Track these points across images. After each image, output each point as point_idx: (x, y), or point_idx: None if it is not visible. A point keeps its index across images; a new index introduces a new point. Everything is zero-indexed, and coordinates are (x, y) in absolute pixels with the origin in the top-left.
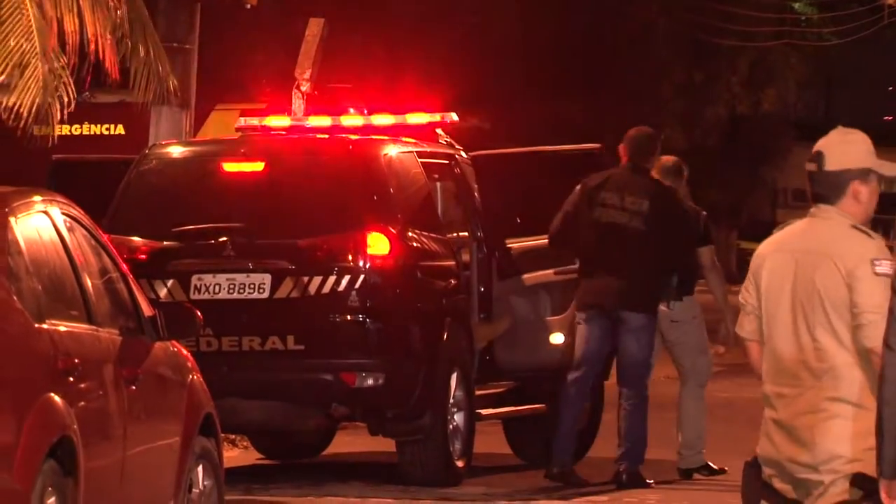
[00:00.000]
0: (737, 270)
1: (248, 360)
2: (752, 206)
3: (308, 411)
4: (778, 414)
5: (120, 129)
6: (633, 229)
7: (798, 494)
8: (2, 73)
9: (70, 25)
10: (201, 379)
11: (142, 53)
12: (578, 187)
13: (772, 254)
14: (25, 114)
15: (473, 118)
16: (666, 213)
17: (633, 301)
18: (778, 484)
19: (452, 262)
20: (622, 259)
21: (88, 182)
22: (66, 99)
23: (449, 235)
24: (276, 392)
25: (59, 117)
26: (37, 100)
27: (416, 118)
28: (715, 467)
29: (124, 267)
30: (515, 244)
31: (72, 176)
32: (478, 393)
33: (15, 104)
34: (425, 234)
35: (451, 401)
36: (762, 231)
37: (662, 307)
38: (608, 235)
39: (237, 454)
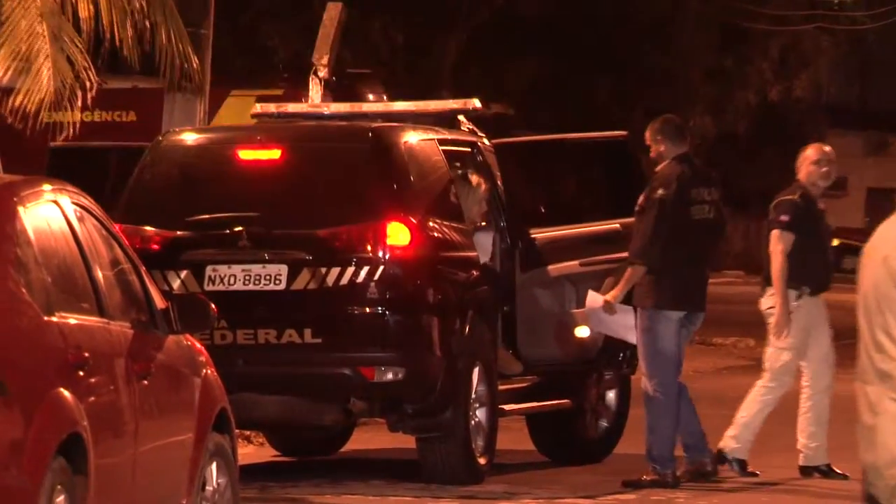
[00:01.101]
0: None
1: (263, 354)
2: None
3: (325, 406)
4: (860, 416)
5: (132, 116)
6: (714, 222)
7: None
8: (15, 58)
9: (84, 12)
10: (215, 373)
11: (163, 35)
12: (662, 192)
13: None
14: (37, 101)
15: (497, 105)
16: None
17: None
18: (871, 489)
19: (474, 253)
20: (707, 254)
21: (88, 169)
22: (87, 84)
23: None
24: (293, 387)
25: (79, 104)
26: (50, 87)
27: (438, 105)
28: (838, 471)
29: (136, 258)
30: (540, 234)
31: (70, 163)
32: (501, 388)
33: (29, 91)
34: (446, 223)
35: (474, 396)
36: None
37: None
38: (700, 231)
39: (252, 451)
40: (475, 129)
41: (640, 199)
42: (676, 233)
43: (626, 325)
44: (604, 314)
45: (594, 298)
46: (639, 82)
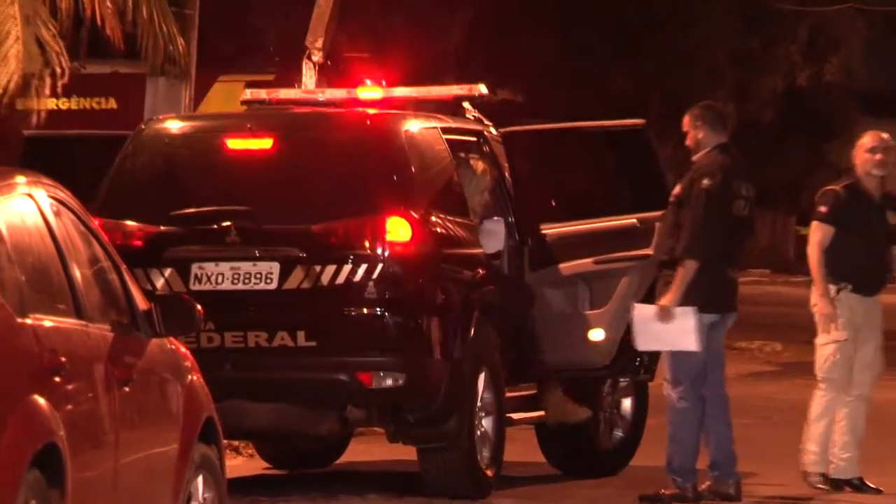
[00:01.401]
0: (795, 259)
1: (253, 358)
2: (813, 188)
3: (320, 415)
4: None
5: (112, 103)
6: (749, 220)
7: None
8: None
9: None
10: (202, 379)
11: (145, 14)
12: (708, 182)
13: None
14: (5, 87)
15: (504, 90)
16: None
17: None
18: None
19: (480, 250)
20: (739, 254)
21: (65, 160)
22: (59, 70)
23: (476, 220)
24: (285, 393)
25: (49, 91)
26: (16, 74)
27: (441, 91)
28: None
29: (117, 255)
30: (551, 230)
31: (46, 153)
32: (508, 395)
33: None
34: (451, 218)
35: (479, 404)
36: None
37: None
38: (737, 228)
39: (241, 463)
40: (481, 116)
41: (677, 189)
42: (717, 228)
43: (686, 330)
44: (656, 325)
45: (643, 311)
46: (657, 66)
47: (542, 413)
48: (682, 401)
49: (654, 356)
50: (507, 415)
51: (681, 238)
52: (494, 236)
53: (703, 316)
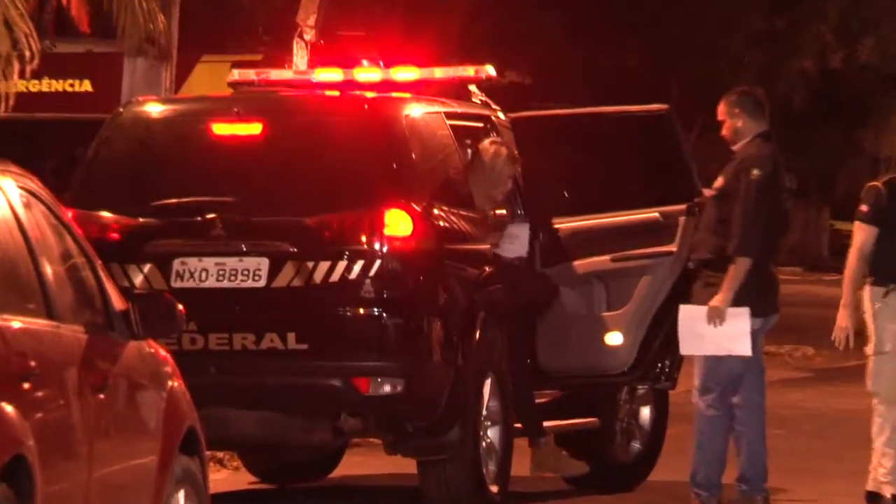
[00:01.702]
0: (829, 256)
1: (240, 362)
2: (846, 179)
3: (312, 424)
4: None
5: (87, 86)
6: (788, 214)
7: None
8: None
9: None
10: (183, 385)
11: None
12: (758, 173)
13: None
14: None
15: (513, 72)
16: None
17: None
18: None
19: (486, 246)
20: (779, 250)
21: (35, 146)
22: (28, 54)
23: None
24: (274, 400)
25: (18, 74)
26: None
27: (445, 72)
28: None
29: (91, 250)
30: (564, 224)
31: (14, 139)
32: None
33: None
34: (455, 211)
35: (485, 413)
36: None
37: None
38: (783, 223)
39: (226, 476)
40: (488, 100)
41: (720, 182)
42: (768, 222)
43: (740, 334)
44: (706, 328)
45: (690, 312)
46: (675, 47)
47: (553, 423)
48: (710, 409)
49: (676, 362)
50: (516, 425)
51: (731, 234)
52: (518, 241)
53: (752, 320)
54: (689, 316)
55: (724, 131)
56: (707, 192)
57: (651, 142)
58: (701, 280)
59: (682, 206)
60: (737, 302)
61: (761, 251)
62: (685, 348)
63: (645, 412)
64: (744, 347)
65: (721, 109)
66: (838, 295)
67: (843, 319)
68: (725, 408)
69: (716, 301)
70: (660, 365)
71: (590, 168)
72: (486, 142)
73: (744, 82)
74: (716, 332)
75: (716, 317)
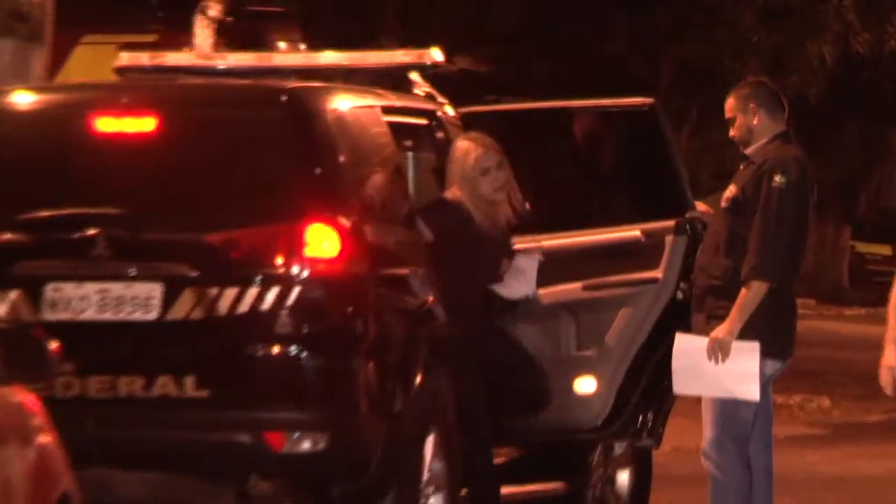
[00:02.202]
0: (850, 285)
1: (126, 412)
2: (872, 190)
3: (214, 489)
4: None
5: None
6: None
7: None
8: None
9: None
10: (57, 441)
11: None
12: (783, 180)
13: None
14: None
15: (465, 59)
16: None
17: None
18: None
19: (430, 270)
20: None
21: None
22: None
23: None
24: (168, 459)
25: None
26: None
27: (381, 57)
28: None
29: None
30: (524, 245)
31: None
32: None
33: None
34: (392, 228)
35: (426, 476)
36: (887, 227)
37: None
38: (804, 244)
39: None
40: (434, 92)
41: (732, 191)
42: (792, 240)
43: (748, 373)
44: (706, 364)
45: (689, 343)
46: (669, 28)
47: (512, 490)
48: (727, 471)
49: (662, 415)
50: (463, 491)
51: (747, 254)
52: (524, 277)
53: (767, 363)
54: (686, 347)
55: (735, 131)
56: (701, 207)
57: (633, 143)
58: (703, 312)
59: (670, 223)
60: (746, 334)
61: (783, 275)
62: (679, 386)
63: (623, 476)
64: (751, 390)
65: (731, 105)
66: (860, 333)
67: (891, 358)
68: (745, 467)
69: (720, 331)
70: (641, 418)
71: (556, 175)
72: (460, 137)
73: (750, 71)
74: (717, 369)
75: (718, 350)
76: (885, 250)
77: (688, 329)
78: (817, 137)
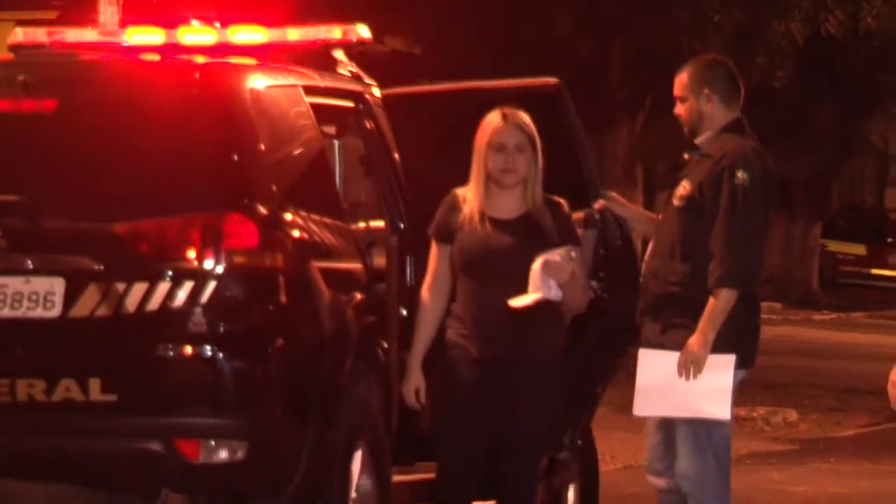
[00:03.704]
0: (819, 288)
1: (25, 418)
2: (846, 183)
3: (123, 502)
4: None
5: None
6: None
7: None
8: None
9: None
10: None
11: None
12: (745, 176)
13: None
14: None
15: (397, 38)
16: None
17: None
18: None
19: (359, 265)
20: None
21: None
22: None
23: (354, 224)
24: (71, 470)
25: None
26: None
27: (303, 33)
28: None
29: None
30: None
31: None
32: (397, 479)
33: None
34: (316, 218)
35: (354, 494)
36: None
37: None
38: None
39: None
40: (360, 72)
41: (685, 189)
42: (759, 242)
43: (719, 390)
44: (674, 382)
45: (653, 360)
46: (619, 7)
47: None
48: (711, 496)
49: (581, 426)
50: None
51: (712, 260)
52: (546, 281)
53: (739, 373)
54: (652, 364)
55: (683, 113)
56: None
57: (536, 127)
58: (658, 322)
59: (579, 215)
60: (717, 346)
61: (753, 281)
62: (641, 408)
63: (568, 494)
64: (722, 408)
65: (683, 83)
66: (831, 340)
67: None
68: (729, 491)
69: (694, 345)
70: (568, 429)
71: (454, 161)
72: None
73: (711, 50)
74: (688, 386)
75: (692, 366)
76: (859, 250)
77: (625, 340)
78: (785, 126)
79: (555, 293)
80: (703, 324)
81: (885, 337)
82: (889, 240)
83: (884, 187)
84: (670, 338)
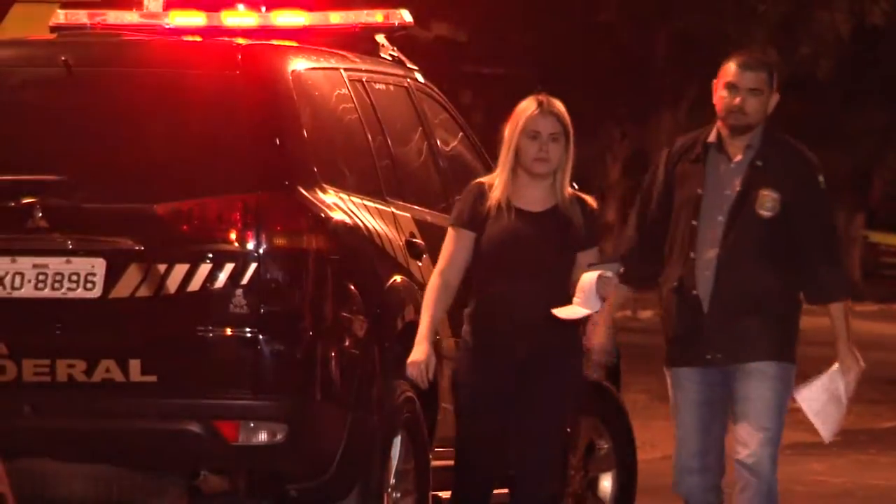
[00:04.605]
0: (862, 278)
1: (65, 399)
2: (888, 175)
3: (160, 483)
4: None
5: None
6: None
7: None
8: None
9: None
10: None
11: None
12: (824, 181)
13: None
14: None
15: (442, 24)
16: None
17: None
18: None
19: (401, 247)
20: None
21: None
22: None
23: (397, 204)
24: (110, 451)
25: None
26: None
27: (344, 17)
28: None
29: None
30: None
31: None
32: (436, 464)
33: None
34: (359, 200)
35: (394, 478)
36: None
37: None
38: None
39: None
40: (403, 57)
41: (773, 197)
42: None
43: (839, 396)
44: (830, 407)
45: (810, 394)
46: None
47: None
48: (773, 486)
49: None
50: (434, 493)
51: (812, 271)
52: (582, 295)
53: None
54: (813, 397)
55: (752, 107)
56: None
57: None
58: (750, 334)
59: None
60: (781, 347)
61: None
62: (829, 433)
63: (605, 482)
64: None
65: (760, 78)
66: (872, 331)
67: None
68: None
69: (855, 360)
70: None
71: None
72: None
73: (755, 44)
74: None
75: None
76: None
77: None
78: (828, 118)
79: (599, 307)
80: (846, 341)
81: None
82: None
83: None
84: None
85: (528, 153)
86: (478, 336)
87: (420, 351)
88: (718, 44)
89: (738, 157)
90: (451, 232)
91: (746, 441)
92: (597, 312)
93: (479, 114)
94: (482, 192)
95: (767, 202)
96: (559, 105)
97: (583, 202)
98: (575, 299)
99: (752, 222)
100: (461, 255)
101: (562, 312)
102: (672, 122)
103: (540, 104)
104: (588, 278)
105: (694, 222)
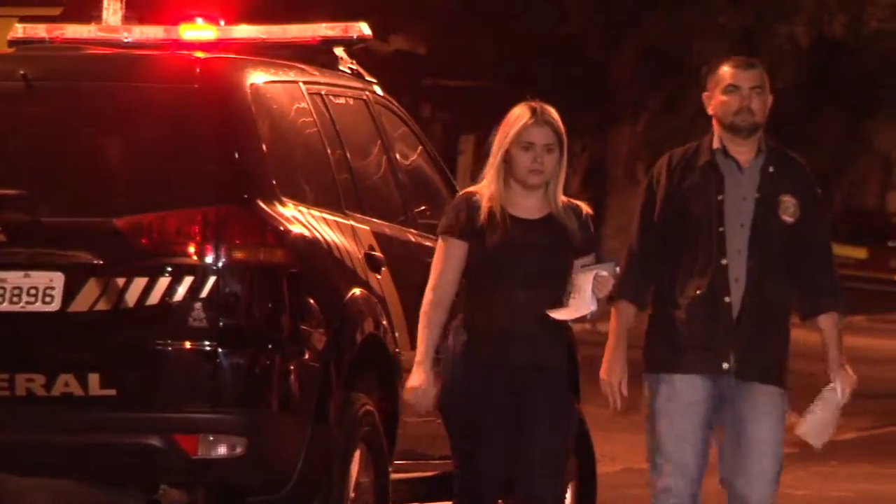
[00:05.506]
0: None
1: (23, 412)
2: (849, 187)
3: (122, 497)
4: None
5: None
6: None
7: None
8: None
9: None
10: None
11: None
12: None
13: None
14: None
15: (400, 37)
16: None
17: None
18: None
19: (360, 260)
20: None
21: None
22: None
23: (356, 217)
24: (69, 464)
25: None
26: None
27: (302, 30)
28: None
29: None
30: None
31: None
32: (395, 478)
33: None
34: (318, 213)
35: (353, 492)
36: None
37: None
38: None
39: None
40: (361, 70)
41: (794, 203)
42: None
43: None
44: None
45: (814, 418)
46: (629, 10)
47: None
48: None
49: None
50: None
51: (812, 281)
52: (578, 296)
53: None
54: (816, 416)
55: (759, 106)
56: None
57: None
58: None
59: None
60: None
61: None
62: (820, 441)
63: (566, 496)
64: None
65: (762, 76)
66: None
67: None
68: None
69: (850, 375)
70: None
71: None
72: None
73: (719, 55)
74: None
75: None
76: (860, 253)
77: None
78: (788, 128)
79: (595, 308)
80: (840, 355)
81: (886, 341)
82: (891, 243)
83: (886, 190)
84: (780, 375)
85: (522, 164)
86: (470, 347)
87: (418, 376)
88: (683, 57)
89: (748, 163)
90: (442, 244)
91: (751, 480)
92: (592, 313)
93: (438, 127)
94: (473, 202)
95: (790, 207)
96: (553, 113)
97: (577, 209)
98: (571, 299)
99: (776, 228)
100: (455, 267)
101: (557, 314)
102: (631, 134)
103: (534, 113)
104: (584, 278)
105: (721, 229)
